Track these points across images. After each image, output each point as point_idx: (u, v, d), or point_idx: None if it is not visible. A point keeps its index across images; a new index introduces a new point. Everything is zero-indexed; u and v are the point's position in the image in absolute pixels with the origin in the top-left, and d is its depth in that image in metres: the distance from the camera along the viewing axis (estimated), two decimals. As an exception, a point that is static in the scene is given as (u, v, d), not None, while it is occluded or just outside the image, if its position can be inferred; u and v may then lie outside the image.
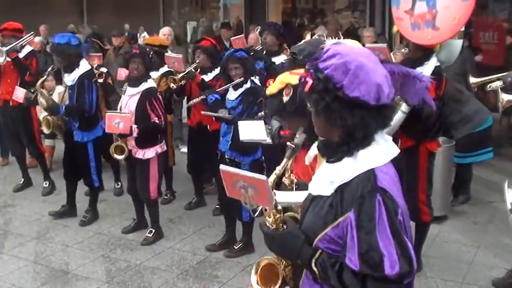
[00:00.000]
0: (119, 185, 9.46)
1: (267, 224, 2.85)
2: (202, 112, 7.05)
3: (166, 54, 8.35)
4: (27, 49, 9.41)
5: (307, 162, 3.27)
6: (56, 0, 17.41)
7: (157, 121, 7.19)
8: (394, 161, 2.66)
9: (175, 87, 8.10)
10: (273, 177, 2.96)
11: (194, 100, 7.74)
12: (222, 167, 2.98)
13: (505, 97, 5.92)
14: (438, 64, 6.17)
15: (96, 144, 8.04)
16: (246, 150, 6.67)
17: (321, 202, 2.69)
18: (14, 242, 7.61)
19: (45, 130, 8.50)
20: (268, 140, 5.56)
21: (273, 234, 2.83)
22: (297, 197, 4.61)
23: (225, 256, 7.06)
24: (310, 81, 2.57)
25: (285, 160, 3.08)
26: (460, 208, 8.50)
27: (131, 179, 7.68)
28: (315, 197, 2.78)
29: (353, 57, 2.55)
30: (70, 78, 7.82)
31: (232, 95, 6.93)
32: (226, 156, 6.87)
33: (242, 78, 6.79)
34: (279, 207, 2.86)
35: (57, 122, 8.26)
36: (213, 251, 7.24)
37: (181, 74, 8.03)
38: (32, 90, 8.59)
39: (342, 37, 5.06)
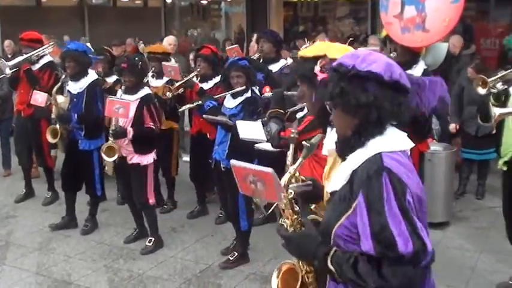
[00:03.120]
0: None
1: (285, 226, 2.90)
2: (204, 116, 7.03)
3: (163, 63, 8.35)
4: (45, 60, 9.22)
5: (326, 153, 3.25)
6: (58, 10, 17.44)
7: (152, 126, 7.21)
8: None
9: (170, 96, 8.15)
10: (287, 176, 2.97)
11: (187, 106, 7.76)
12: (232, 161, 3.05)
13: (496, 111, 5.91)
14: (426, 67, 6.24)
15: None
16: (243, 160, 6.63)
17: (335, 197, 2.76)
18: (16, 253, 7.59)
19: (51, 140, 8.42)
20: (268, 147, 5.55)
21: (290, 236, 2.87)
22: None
23: (221, 268, 7.01)
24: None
25: (300, 159, 3.06)
26: (462, 214, 8.53)
27: (125, 186, 7.69)
28: (331, 195, 2.84)
29: (363, 51, 2.76)
30: (77, 86, 7.85)
31: (231, 103, 6.91)
32: (222, 166, 6.86)
33: (244, 87, 6.78)
34: (296, 209, 2.92)
35: (62, 131, 8.26)
36: (227, 254, 7.21)
37: (178, 83, 8.07)
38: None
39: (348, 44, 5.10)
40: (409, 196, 2.52)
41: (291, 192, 2.94)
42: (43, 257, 7.47)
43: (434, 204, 7.81)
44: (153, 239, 7.57)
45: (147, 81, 8.19)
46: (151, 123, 7.22)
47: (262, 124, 5.62)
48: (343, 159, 2.77)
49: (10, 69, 8.85)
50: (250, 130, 5.93)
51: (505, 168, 6.04)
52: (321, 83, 2.78)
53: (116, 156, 7.31)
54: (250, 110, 6.72)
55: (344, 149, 2.75)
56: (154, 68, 8.52)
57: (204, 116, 7.05)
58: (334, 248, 2.67)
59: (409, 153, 2.76)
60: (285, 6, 18.56)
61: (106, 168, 7.63)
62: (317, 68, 3.91)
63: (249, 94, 6.84)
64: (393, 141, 2.67)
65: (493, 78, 6.59)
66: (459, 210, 8.65)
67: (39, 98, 8.41)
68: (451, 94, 8.91)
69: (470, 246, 7.47)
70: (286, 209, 2.93)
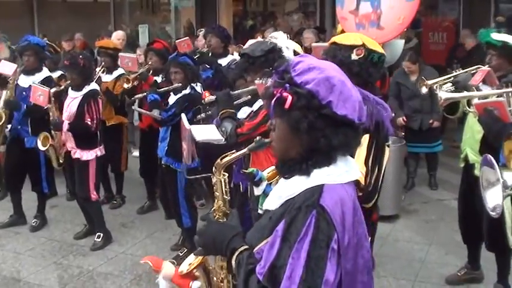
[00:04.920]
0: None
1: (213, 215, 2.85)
2: (133, 107, 7.06)
3: (120, 54, 8.35)
4: None
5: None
6: (6, 4, 17.11)
7: (89, 123, 7.16)
8: None
9: (129, 87, 8.15)
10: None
11: (136, 96, 7.73)
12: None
13: (442, 95, 5.98)
14: None
15: None
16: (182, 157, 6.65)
17: (265, 215, 2.62)
18: (-36, 250, 7.50)
19: None
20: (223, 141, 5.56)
21: (211, 222, 2.79)
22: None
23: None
24: (289, 97, 2.37)
25: (244, 150, 3.00)
26: (412, 207, 8.65)
27: (72, 181, 7.69)
28: (264, 212, 2.70)
29: (332, 72, 2.44)
30: (29, 80, 7.79)
31: (172, 98, 6.96)
32: (163, 162, 6.90)
33: (180, 84, 6.81)
34: (225, 196, 2.87)
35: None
36: (177, 250, 7.26)
37: (134, 75, 8.06)
38: None
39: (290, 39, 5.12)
40: (335, 243, 2.30)
41: (224, 174, 2.93)
42: (-8, 254, 7.39)
43: (383, 197, 7.85)
44: (101, 235, 7.54)
45: (99, 77, 8.18)
46: (89, 120, 7.16)
47: (216, 126, 5.64)
48: (283, 177, 2.56)
49: None
50: (205, 132, 5.91)
51: (462, 165, 6.15)
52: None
53: (48, 146, 7.42)
54: (184, 106, 6.74)
55: (283, 170, 2.54)
56: (105, 63, 8.48)
57: (133, 107, 7.07)
58: (245, 247, 2.54)
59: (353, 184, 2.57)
60: (234, 1, 18.53)
61: (52, 161, 7.67)
62: (354, 57, 3.93)
63: (187, 91, 6.87)
64: (340, 172, 2.45)
65: (436, 80, 6.67)
66: (408, 204, 8.76)
67: (7, 67, 8.13)
68: (391, 94, 9.07)
69: (419, 239, 7.58)
70: (216, 190, 2.89)
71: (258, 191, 3.52)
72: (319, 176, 2.42)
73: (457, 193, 6.41)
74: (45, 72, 7.96)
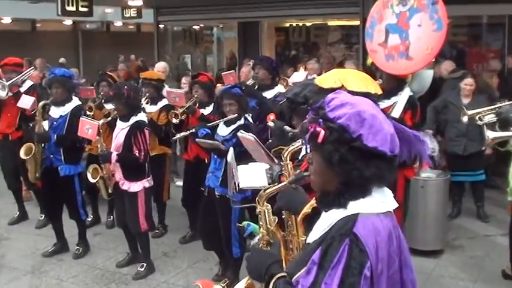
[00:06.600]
0: (111, 217, 9.39)
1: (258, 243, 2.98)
2: (197, 139, 7.05)
3: (167, 89, 8.44)
4: (28, 84, 9.48)
5: None
6: (52, 34, 17.49)
7: (137, 154, 7.19)
8: None
9: (177, 121, 8.18)
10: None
11: (182, 133, 7.77)
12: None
13: (490, 134, 5.95)
14: (412, 94, 6.34)
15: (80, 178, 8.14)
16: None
17: (307, 248, 2.68)
18: (9, 276, 7.58)
19: (23, 156, 8.21)
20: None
21: (254, 250, 2.94)
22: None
23: None
24: (322, 132, 2.46)
25: (285, 183, 3.16)
26: (456, 242, 8.48)
27: (120, 212, 7.69)
28: (306, 245, 2.78)
29: (364, 106, 2.50)
30: (60, 111, 7.92)
31: (224, 130, 6.93)
32: (217, 193, 6.87)
33: (236, 115, 6.81)
34: (270, 228, 3.00)
35: (37, 153, 8.15)
36: (219, 280, 7.20)
37: (182, 109, 8.12)
38: (31, 125, 8.56)
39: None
40: (367, 270, 2.36)
41: (267, 205, 2.99)
42: (36, 280, 7.46)
43: (426, 232, 7.82)
44: (145, 264, 7.55)
45: (143, 107, 8.26)
46: (137, 152, 7.19)
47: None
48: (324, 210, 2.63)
49: (9, 88, 8.99)
50: (251, 176, 5.78)
51: (510, 199, 6.07)
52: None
53: (97, 178, 7.47)
54: None
55: (322, 203, 2.62)
56: (149, 94, 8.57)
57: (197, 139, 7.07)
58: (283, 274, 2.67)
59: (392, 214, 2.61)
60: (276, 31, 18.61)
61: (101, 191, 7.74)
62: None
63: (241, 121, 6.86)
64: (375, 203, 2.51)
65: (477, 110, 6.65)
66: (453, 238, 8.59)
67: (27, 101, 8.38)
68: (431, 104, 9.00)
69: (464, 275, 7.43)
70: (260, 220, 3.00)
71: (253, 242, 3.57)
72: (355, 206, 2.48)
73: (503, 228, 6.33)
74: (74, 102, 8.04)
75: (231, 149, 5.76)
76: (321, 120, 2.49)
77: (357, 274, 2.34)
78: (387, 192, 2.60)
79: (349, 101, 2.50)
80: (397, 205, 2.62)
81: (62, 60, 16.60)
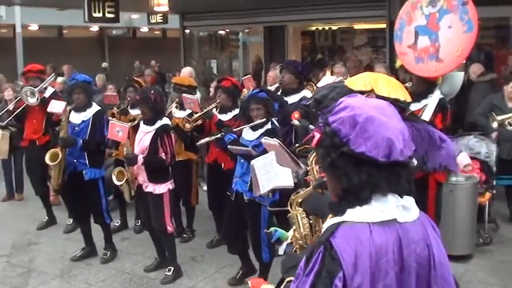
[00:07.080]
0: (138, 222, 9.41)
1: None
2: (229, 147, 7.03)
3: (183, 95, 8.40)
4: (50, 90, 9.64)
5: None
6: (79, 41, 17.63)
7: (163, 156, 7.23)
8: None
9: (189, 127, 8.21)
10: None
11: (207, 139, 7.78)
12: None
13: None
14: (442, 96, 6.28)
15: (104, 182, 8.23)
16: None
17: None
18: (37, 280, 7.63)
19: (48, 161, 8.16)
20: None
21: (287, 254, 3.04)
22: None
23: None
24: (317, 136, 2.41)
25: (310, 188, 3.15)
26: (486, 247, 8.38)
27: (145, 213, 7.74)
28: None
29: (364, 109, 2.36)
30: (81, 116, 8.03)
31: (250, 135, 6.93)
32: (245, 198, 6.86)
33: (264, 119, 6.80)
34: (304, 232, 3.04)
35: (62, 159, 8.14)
36: (235, 285, 7.24)
37: (196, 115, 8.18)
38: (57, 129, 8.63)
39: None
40: (339, 281, 2.23)
41: (298, 209, 2.98)
42: (64, 284, 7.52)
43: (456, 236, 7.74)
44: (172, 268, 7.56)
45: (171, 111, 8.29)
46: (163, 154, 7.24)
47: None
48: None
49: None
50: (278, 175, 5.77)
51: None
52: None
53: (123, 181, 7.58)
54: None
55: (331, 209, 2.49)
56: (179, 99, 8.58)
57: (229, 146, 7.05)
58: (291, 279, 2.71)
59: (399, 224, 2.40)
60: (302, 35, 18.62)
61: (124, 195, 7.83)
62: None
63: (269, 126, 6.85)
64: (371, 212, 2.35)
65: (506, 116, 6.55)
66: (482, 243, 8.49)
67: (57, 105, 8.37)
68: (477, 112, 8.90)
69: (494, 280, 7.34)
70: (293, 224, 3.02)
71: (280, 250, 3.59)
72: (348, 214, 2.36)
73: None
74: (95, 107, 8.14)
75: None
76: (321, 124, 2.44)
77: (327, 283, 2.25)
78: (391, 202, 2.39)
79: (351, 104, 2.39)
80: (396, 216, 2.38)
81: (104, 64, 16.72)
